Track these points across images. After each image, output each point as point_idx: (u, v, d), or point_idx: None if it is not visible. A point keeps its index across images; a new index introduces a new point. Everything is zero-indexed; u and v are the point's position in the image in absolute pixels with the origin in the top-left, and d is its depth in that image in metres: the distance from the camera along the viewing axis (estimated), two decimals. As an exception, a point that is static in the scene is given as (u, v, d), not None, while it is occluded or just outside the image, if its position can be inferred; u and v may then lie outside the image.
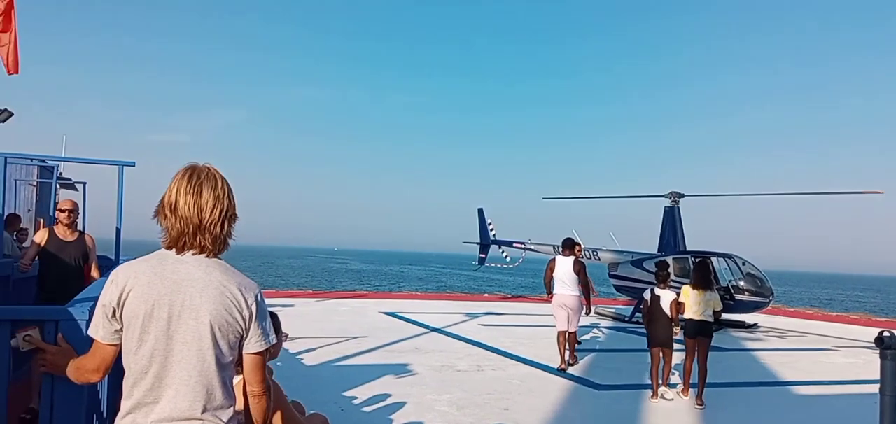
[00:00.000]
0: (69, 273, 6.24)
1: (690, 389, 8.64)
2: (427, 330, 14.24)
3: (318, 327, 13.75)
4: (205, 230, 2.17)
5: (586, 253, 19.91)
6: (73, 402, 2.95)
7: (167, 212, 2.18)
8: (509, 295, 30.25)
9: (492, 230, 24.11)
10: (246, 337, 2.21)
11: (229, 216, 2.23)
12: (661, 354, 8.61)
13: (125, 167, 7.83)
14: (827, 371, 11.83)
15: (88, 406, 3.22)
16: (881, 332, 3.56)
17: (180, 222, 2.16)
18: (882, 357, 3.58)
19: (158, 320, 2.11)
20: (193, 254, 2.18)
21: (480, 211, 24.72)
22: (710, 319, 8.62)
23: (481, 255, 24.65)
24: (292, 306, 17.59)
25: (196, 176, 2.20)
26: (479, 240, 24.62)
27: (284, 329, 3.90)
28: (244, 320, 2.19)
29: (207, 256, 2.20)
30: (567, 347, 10.55)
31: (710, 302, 8.56)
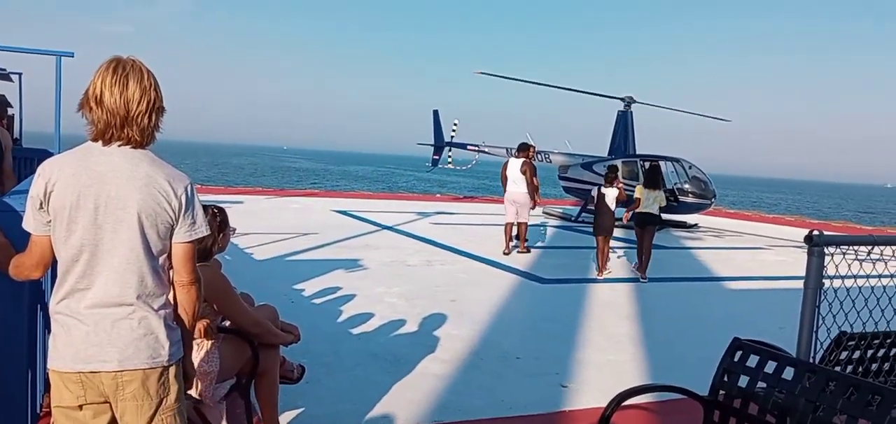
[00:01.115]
0: None
1: (641, 273, 10.29)
2: (378, 228, 14.35)
3: (268, 223, 13.72)
4: (132, 122, 2.16)
5: (539, 155, 20.25)
6: (14, 295, 2.92)
7: (93, 105, 2.16)
8: (461, 196, 30.52)
9: (455, 130, 23.96)
10: (176, 228, 2.23)
11: (156, 108, 2.22)
12: (603, 240, 10.31)
13: (63, 57, 7.49)
14: (759, 267, 12.45)
15: (31, 299, 3.19)
16: (811, 231, 3.72)
17: (107, 114, 2.14)
18: (809, 253, 3.76)
19: (85, 211, 2.12)
20: (119, 146, 2.17)
21: (436, 112, 24.57)
22: (656, 212, 10.40)
23: (435, 157, 24.67)
24: (242, 203, 17.43)
25: (121, 68, 2.17)
26: (433, 142, 24.56)
27: (232, 223, 3.89)
28: (173, 210, 2.20)
29: (134, 148, 2.19)
30: (512, 237, 11.84)
31: (657, 199, 10.38)
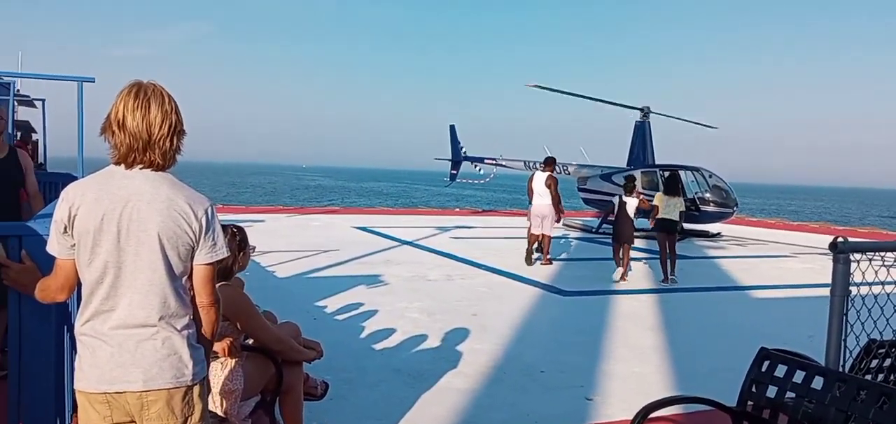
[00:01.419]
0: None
1: (670, 275, 10.80)
2: (398, 244, 14.38)
3: (289, 241, 13.79)
4: (154, 145, 2.19)
5: (557, 168, 20.33)
6: (41, 317, 2.95)
7: (115, 129, 2.18)
8: (480, 210, 30.49)
9: (462, 150, 24.13)
10: (196, 249, 2.25)
11: (178, 131, 2.25)
12: (622, 248, 10.89)
13: (85, 83, 7.59)
14: (784, 276, 12.28)
15: (58, 321, 3.23)
16: (835, 238, 3.66)
17: (129, 138, 2.17)
18: (835, 260, 3.70)
19: (108, 233, 2.15)
20: (141, 169, 2.20)
21: (452, 127, 24.67)
22: (676, 218, 11.01)
23: (453, 171, 24.74)
24: (263, 221, 17.56)
25: (143, 92, 2.20)
26: (450, 157, 24.63)
27: (253, 242, 3.91)
28: (194, 232, 2.22)
29: (155, 170, 2.22)
30: (535, 247, 12.18)
31: (676, 205, 11.03)
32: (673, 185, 11.32)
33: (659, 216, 10.99)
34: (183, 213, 2.20)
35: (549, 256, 12.15)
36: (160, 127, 2.18)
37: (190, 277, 2.29)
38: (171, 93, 2.27)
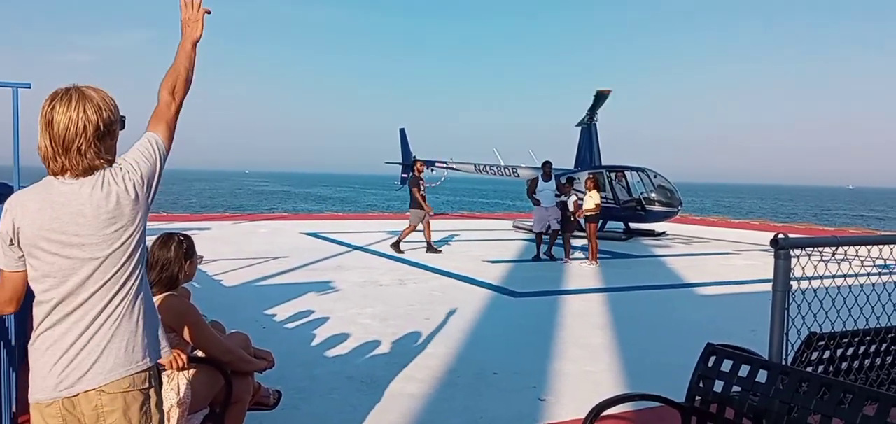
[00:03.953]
0: None
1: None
2: (349, 249, 14.27)
3: (236, 249, 13.55)
4: (69, 150, 2.14)
5: (505, 170, 20.71)
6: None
7: (39, 139, 2.18)
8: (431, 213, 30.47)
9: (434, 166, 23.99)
10: (147, 198, 2.25)
11: (96, 133, 2.16)
12: (566, 236, 13.52)
13: (20, 89, 7.30)
14: (728, 272, 12.64)
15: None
16: (776, 235, 3.77)
17: (47, 147, 2.16)
18: (776, 256, 3.81)
19: (53, 243, 2.13)
20: (74, 176, 2.16)
21: (402, 130, 24.61)
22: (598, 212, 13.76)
23: (403, 175, 24.65)
24: (209, 229, 17.21)
25: (50, 100, 2.17)
26: (400, 161, 24.57)
27: (199, 250, 3.83)
28: (134, 218, 2.20)
29: (86, 175, 2.16)
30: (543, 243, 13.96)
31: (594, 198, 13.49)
32: (598, 185, 13.77)
33: (592, 212, 13.22)
34: (119, 213, 2.17)
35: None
36: (74, 131, 2.12)
37: (139, 274, 2.24)
38: (95, 95, 2.18)
